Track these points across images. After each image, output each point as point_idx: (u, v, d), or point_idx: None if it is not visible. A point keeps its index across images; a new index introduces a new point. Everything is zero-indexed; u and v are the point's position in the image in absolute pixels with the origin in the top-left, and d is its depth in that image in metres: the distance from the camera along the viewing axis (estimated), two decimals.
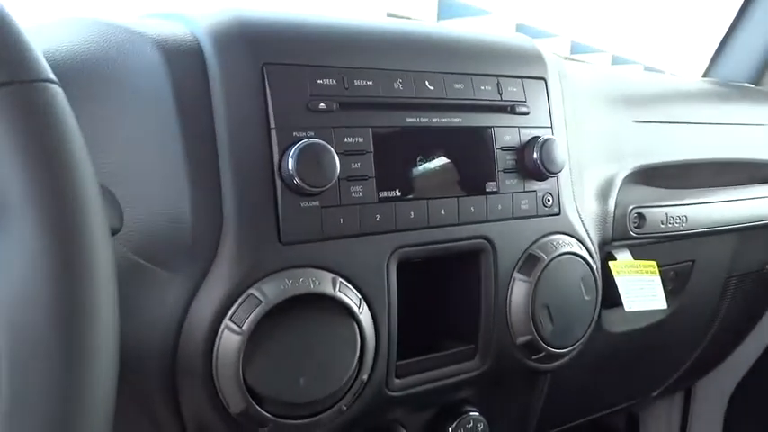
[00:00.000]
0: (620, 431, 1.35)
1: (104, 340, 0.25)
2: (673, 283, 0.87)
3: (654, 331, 0.89)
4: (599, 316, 0.83)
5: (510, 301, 0.51)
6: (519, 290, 0.51)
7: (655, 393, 1.08)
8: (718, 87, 0.96)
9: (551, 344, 0.52)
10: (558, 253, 0.53)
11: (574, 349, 0.55)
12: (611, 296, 0.81)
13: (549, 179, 0.53)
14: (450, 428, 0.59)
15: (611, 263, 0.75)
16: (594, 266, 0.56)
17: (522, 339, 0.51)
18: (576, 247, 0.54)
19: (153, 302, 0.41)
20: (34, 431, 0.23)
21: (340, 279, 0.43)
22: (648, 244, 0.79)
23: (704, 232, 0.72)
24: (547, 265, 0.52)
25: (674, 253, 0.86)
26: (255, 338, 0.39)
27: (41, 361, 0.23)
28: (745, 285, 0.99)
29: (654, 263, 0.81)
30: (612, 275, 0.75)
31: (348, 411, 0.44)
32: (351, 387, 0.43)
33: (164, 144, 0.41)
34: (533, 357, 0.53)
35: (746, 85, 1.04)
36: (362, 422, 0.51)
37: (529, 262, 0.52)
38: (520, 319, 0.51)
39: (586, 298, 0.55)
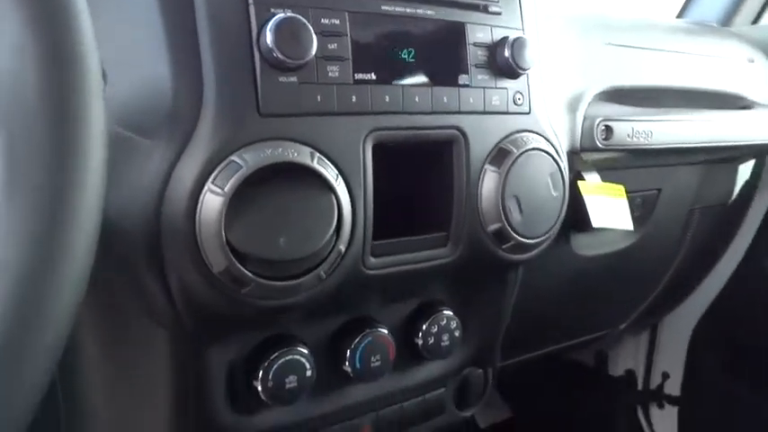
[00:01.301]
0: (589, 368, 1.40)
1: (92, 113, 0.27)
2: (639, 211, 0.90)
3: (621, 258, 0.93)
4: (568, 239, 0.86)
5: (481, 190, 0.53)
6: (489, 180, 0.53)
7: (622, 326, 1.12)
8: (688, 25, 0.99)
9: (520, 233, 0.55)
10: (527, 148, 0.55)
11: (542, 242, 0.58)
12: (580, 220, 0.84)
13: (520, 77, 0.55)
14: (423, 326, 0.61)
15: (579, 183, 0.78)
16: (562, 165, 0.59)
17: (492, 227, 0.54)
18: (544, 144, 0.57)
19: (135, 172, 0.43)
20: (27, 205, 0.25)
21: (318, 153, 0.44)
22: (617, 169, 0.82)
23: (670, 149, 0.75)
24: (516, 159, 0.54)
25: (642, 180, 0.89)
26: (237, 201, 0.41)
27: (31, 133, 0.25)
28: (708, 219, 1.03)
29: (621, 186, 0.84)
30: (581, 194, 0.78)
31: (326, 283, 0.46)
32: (329, 254, 0.45)
33: (142, 12, 0.42)
34: (503, 246, 0.55)
35: (715, 25, 1.08)
36: (340, 303, 0.53)
37: (499, 155, 0.54)
38: (490, 208, 0.53)
39: (554, 194, 0.58)
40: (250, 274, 0.42)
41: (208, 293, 0.43)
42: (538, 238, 0.57)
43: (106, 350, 0.51)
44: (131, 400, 0.52)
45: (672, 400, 1.27)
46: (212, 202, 0.41)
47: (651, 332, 1.31)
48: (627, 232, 0.92)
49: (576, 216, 0.84)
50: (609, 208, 0.82)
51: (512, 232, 0.54)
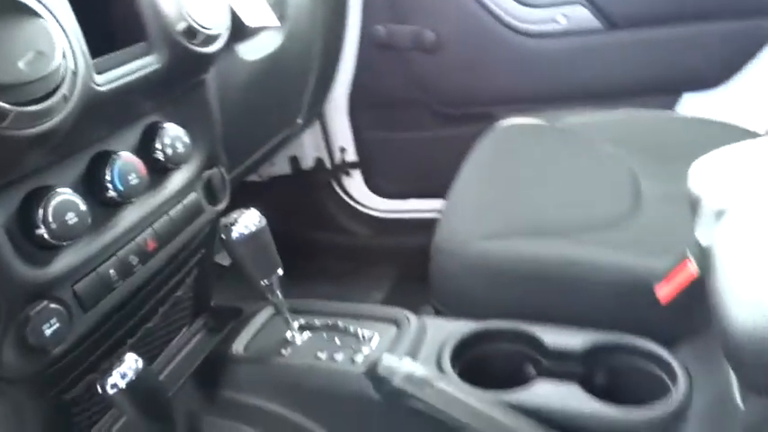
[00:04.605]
0: (288, 174, 1.64)
1: None
2: (277, 9, 1.08)
3: (280, 55, 1.11)
4: (234, 49, 1.00)
5: None
6: None
7: (300, 120, 1.35)
8: None
9: (203, 25, 0.66)
10: None
11: (223, 33, 0.70)
12: (237, 28, 0.97)
13: None
14: (158, 143, 0.71)
15: None
16: None
17: (180, 26, 0.64)
18: None
19: None
20: None
21: None
22: None
23: None
24: None
25: None
26: None
27: None
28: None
29: None
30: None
31: (71, 103, 0.52)
32: (65, 76, 0.50)
33: None
34: (194, 42, 0.66)
35: None
36: (84, 131, 0.59)
37: None
38: (172, 11, 0.63)
39: None
40: (6, 105, 0.45)
41: None
42: (219, 29, 0.69)
43: None
44: None
45: (353, 165, 1.61)
46: None
47: (320, 121, 1.58)
48: (276, 30, 1.10)
49: (234, 25, 0.98)
50: (253, 9, 0.97)
51: (197, 26, 0.65)
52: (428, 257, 0.95)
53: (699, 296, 0.54)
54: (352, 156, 1.60)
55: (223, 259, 1.63)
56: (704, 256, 0.48)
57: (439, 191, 1.50)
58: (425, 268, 0.95)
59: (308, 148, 1.62)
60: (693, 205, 0.55)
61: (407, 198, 1.61)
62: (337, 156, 1.61)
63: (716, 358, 0.65)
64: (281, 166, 1.66)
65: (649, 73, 1.32)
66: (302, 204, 1.67)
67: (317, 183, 1.62)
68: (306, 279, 1.67)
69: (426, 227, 0.99)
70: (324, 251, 1.67)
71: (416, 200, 1.60)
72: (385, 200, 1.63)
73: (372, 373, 0.64)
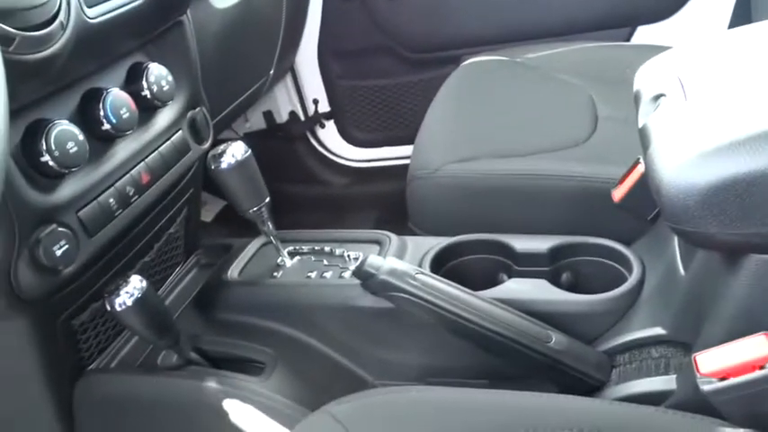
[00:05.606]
0: (264, 129, 1.67)
1: None
2: None
3: (247, 4, 1.14)
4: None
5: None
6: None
7: (272, 72, 1.39)
8: None
9: None
10: None
11: None
12: None
13: None
14: (144, 81, 0.75)
15: None
16: None
17: None
18: None
19: None
20: None
21: None
22: None
23: None
24: None
25: None
26: None
27: None
28: None
29: None
30: None
31: (67, 33, 0.56)
32: (60, 4, 0.54)
33: None
34: None
35: None
36: (77, 64, 0.63)
37: None
38: None
39: None
40: (11, 29, 0.50)
41: None
42: None
43: None
44: None
45: (327, 116, 1.65)
46: None
47: (292, 74, 1.62)
48: None
49: None
50: None
51: None
52: (403, 203, 1.00)
53: (650, 196, 0.60)
54: (325, 107, 1.64)
55: (205, 216, 1.69)
56: (642, 136, 0.55)
57: (411, 137, 1.56)
58: (401, 213, 1.00)
59: (282, 102, 1.65)
60: (636, 101, 0.61)
61: (381, 146, 1.66)
62: (311, 107, 1.65)
63: (664, 244, 0.73)
64: (256, 122, 1.69)
65: (604, 8, 1.39)
66: (279, 159, 1.71)
67: (293, 136, 1.66)
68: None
69: (401, 174, 1.01)
70: (302, 203, 1.72)
71: (390, 147, 1.66)
72: (359, 149, 1.68)
73: (359, 270, 0.70)
